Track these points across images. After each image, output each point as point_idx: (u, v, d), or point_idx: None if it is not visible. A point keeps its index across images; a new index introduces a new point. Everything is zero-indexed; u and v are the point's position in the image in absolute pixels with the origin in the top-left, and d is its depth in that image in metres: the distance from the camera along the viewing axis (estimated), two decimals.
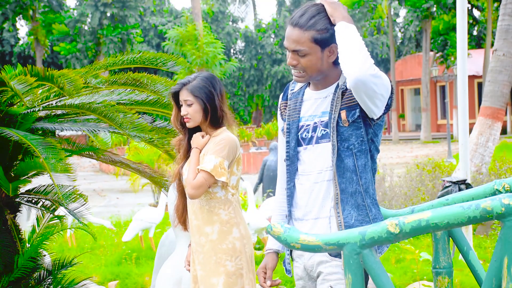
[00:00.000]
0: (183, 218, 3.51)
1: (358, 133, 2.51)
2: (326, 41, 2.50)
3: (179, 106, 3.43)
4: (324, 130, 2.56)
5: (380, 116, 2.52)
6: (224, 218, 3.34)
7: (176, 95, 3.41)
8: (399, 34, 44.93)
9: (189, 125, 3.37)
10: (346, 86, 2.52)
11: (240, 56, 44.49)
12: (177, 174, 3.45)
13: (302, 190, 2.63)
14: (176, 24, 36.74)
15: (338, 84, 2.56)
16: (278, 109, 2.80)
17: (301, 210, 2.63)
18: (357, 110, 2.49)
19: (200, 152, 3.37)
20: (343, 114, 2.51)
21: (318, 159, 2.58)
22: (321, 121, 2.58)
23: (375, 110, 2.48)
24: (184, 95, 3.35)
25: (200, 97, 3.33)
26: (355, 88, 2.40)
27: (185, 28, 23.88)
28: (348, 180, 2.52)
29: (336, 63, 2.56)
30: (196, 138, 3.40)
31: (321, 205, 2.57)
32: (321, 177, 2.57)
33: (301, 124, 2.64)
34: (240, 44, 45.05)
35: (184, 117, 3.36)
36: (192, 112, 3.34)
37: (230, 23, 45.26)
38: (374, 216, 2.54)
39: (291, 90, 2.74)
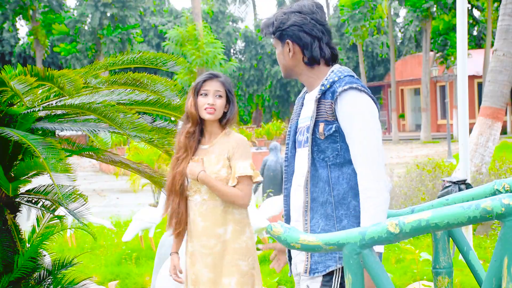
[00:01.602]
0: (185, 221, 3.47)
1: (334, 146, 2.51)
2: (279, 35, 2.60)
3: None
4: (305, 135, 2.60)
5: None
6: (237, 217, 3.35)
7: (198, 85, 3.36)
8: (399, 34, 44.94)
9: (211, 116, 3.30)
10: (321, 93, 2.52)
11: (240, 56, 44.50)
12: (182, 174, 3.38)
13: (291, 191, 2.69)
14: (176, 24, 36.74)
15: (321, 89, 2.55)
16: None
17: (291, 210, 2.69)
18: (334, 125, 2.50)
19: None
20: (321, 126, 2.51)
21: (301, 162, 2.61)
22: (305, 125, 2.61)
23: None
24: (217, 86, 3.32)
25: (231, 93, 3.37)
26: None
27: (185, 28, 23.86)
28: (320, 189, 2.52)
29: (308, 63, 2.60)
30: (193, 166, 3.32)
31: (299, 208, 2.60)
32: (301, 181, 2.59)
33: (298, 126, 2.69)
34: (240, 44, 45.06)
35: (208, 106, 3.29)
36: (220, 104, 3.32)
37: (230, 23, 45.27)
38: (343, 228, 2.48)
39: (300, 95, 2.80)
